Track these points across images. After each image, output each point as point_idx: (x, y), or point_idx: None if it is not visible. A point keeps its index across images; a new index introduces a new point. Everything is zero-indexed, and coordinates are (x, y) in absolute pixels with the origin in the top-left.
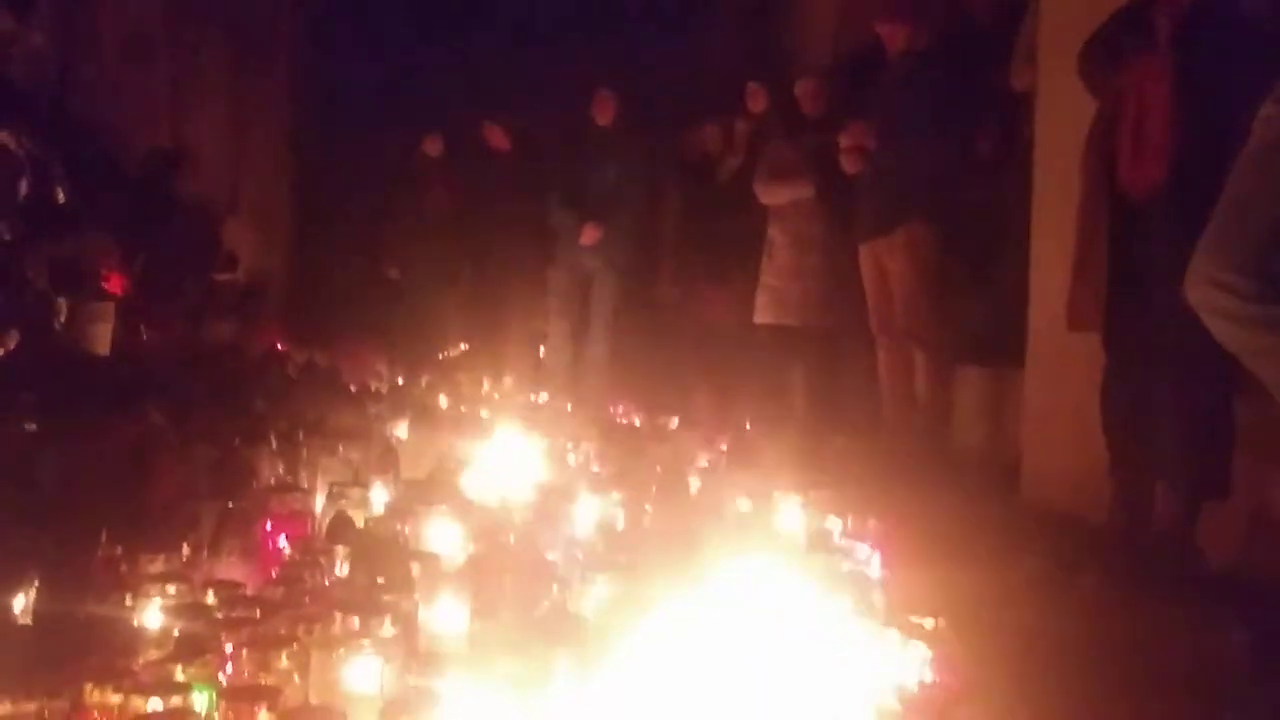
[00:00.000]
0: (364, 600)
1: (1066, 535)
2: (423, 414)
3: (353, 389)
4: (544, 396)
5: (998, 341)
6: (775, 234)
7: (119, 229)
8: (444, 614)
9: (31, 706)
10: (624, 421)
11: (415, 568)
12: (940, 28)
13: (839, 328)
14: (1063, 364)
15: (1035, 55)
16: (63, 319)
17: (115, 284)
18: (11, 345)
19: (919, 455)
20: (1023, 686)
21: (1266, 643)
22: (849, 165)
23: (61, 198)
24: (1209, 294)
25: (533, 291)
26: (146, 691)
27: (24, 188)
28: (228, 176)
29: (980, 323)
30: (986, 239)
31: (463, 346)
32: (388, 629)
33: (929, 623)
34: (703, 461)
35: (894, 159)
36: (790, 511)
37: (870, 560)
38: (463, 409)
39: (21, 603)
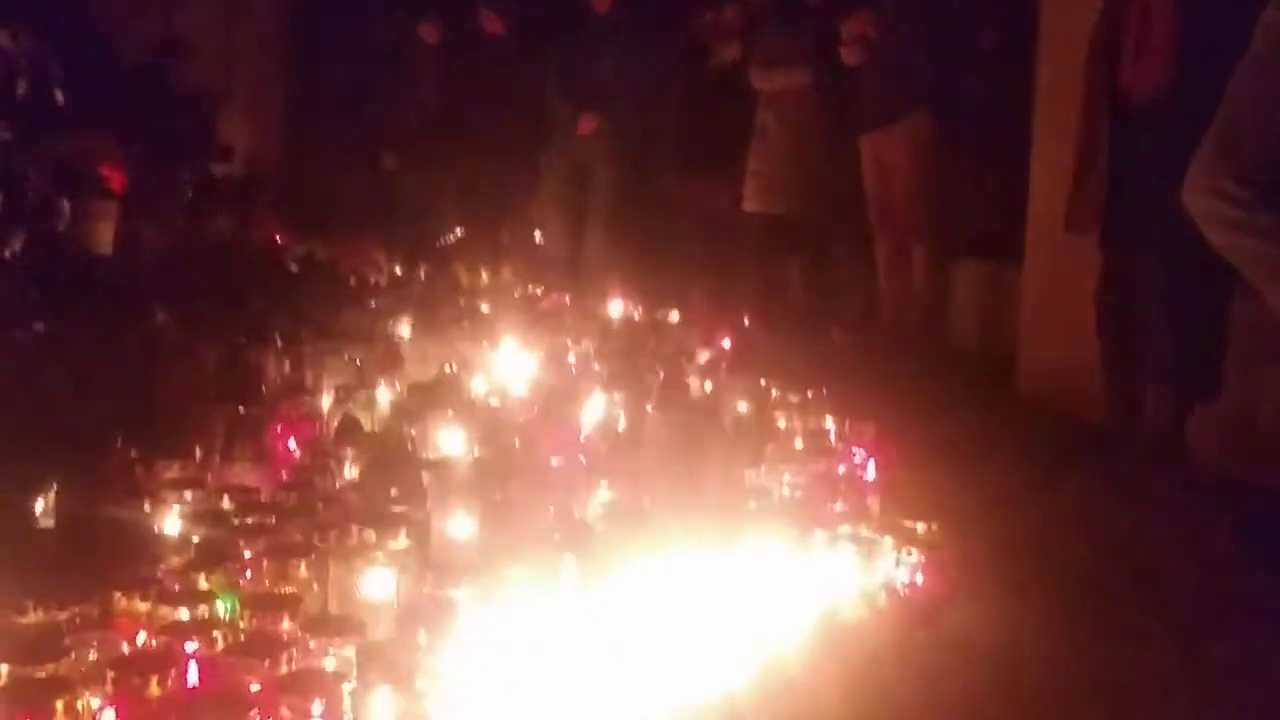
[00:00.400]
0: (376, 508)
1: (1060, 433)
2: (425, 308)
3: (352, 282)
4: (540, 289)
5: (997, 235)
6: (767, 119)
7: (115, 123)
8: (454, 522)
9: (63, 615)
10: (623, 315)
11: (425, 477)
12: None
13: (834, 219)
14: (1061, 260)
15: None
16: (66, 220)
17: (115, 181)
18: (16, 248)
19: (916, 349)
20: (1008, 589)
21: (1252, 544)
22: (849, 57)
23: (60, 99)
24: (1206, 202)
25: (530, 179)
26: (173, 601)
27: (22, 87)
28: (221, 65)
29: (980, 216)
30: (988, 131)
31: (458, 231)
32: (402, 541)
33: (921, 527)
34: (703, 357)
35: (896, 49)
36: (788, 413)
37: (865, 465)
38: (461, 302)
39: (42, 506)
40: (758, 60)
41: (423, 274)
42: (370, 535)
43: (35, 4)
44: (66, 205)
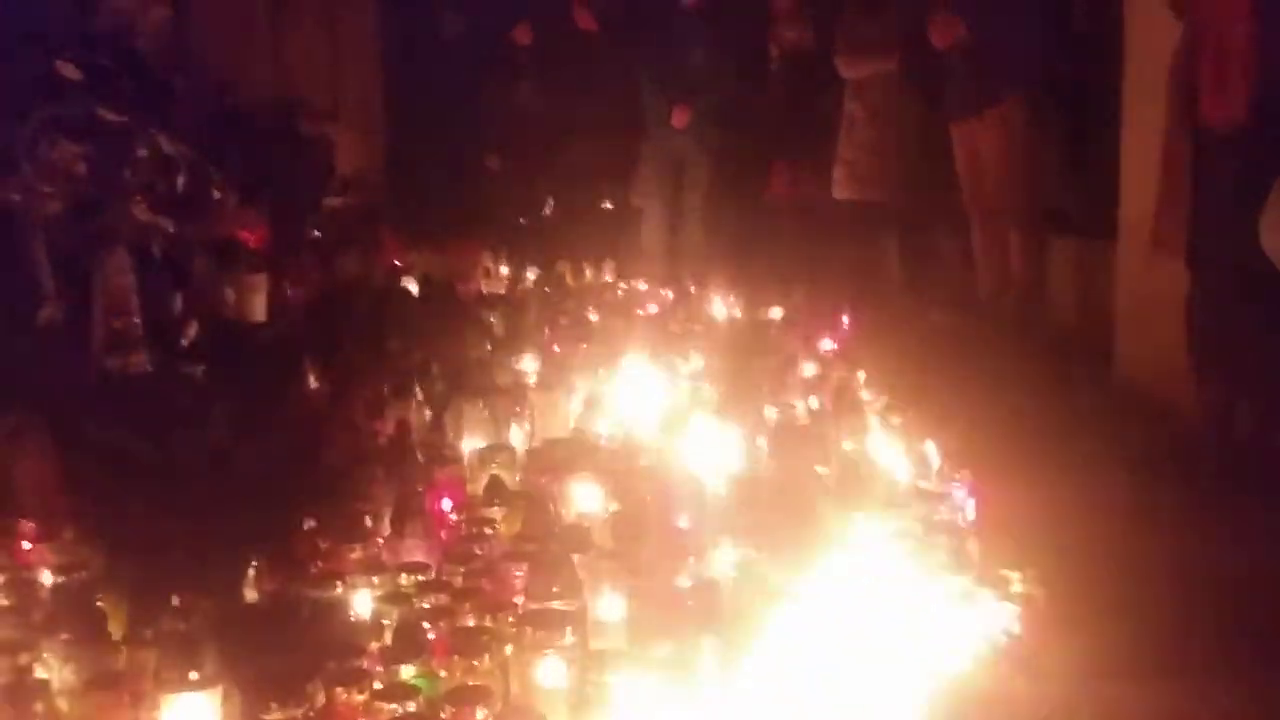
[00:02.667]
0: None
1: (1157, 429)
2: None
3: (466, 299)
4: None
5: (1093, 213)
6: (854, 108)
7: (250, 183)
8: (605, 605)
9: (299, 712)
10: (725, 314)
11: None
12: None
13: (927, 204)
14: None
15: None
16: (231, 303)
17: (257, 240)
18: (192, 335)
19: (1013, 330)
20: (1105, 620)
21: None
22: (939, 39)
23: (216, 194)
24: None
25: (627, 172)
26: (386, 698)
27: (181, 183)
28: (329, 94)
29: (1075, 195)
30: (1080, 110)
31: (551, 203)
32: (568, 637)
33: (1016, 577)
34: (808, 370)
35: (985, 35)
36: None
37: (965, 506)
38: (569, 304)
39: (246, 583)
40: (844, 49)
41: (531, 280)
42: (540, 634)
43: (182, 89)
44: (230, 292)
